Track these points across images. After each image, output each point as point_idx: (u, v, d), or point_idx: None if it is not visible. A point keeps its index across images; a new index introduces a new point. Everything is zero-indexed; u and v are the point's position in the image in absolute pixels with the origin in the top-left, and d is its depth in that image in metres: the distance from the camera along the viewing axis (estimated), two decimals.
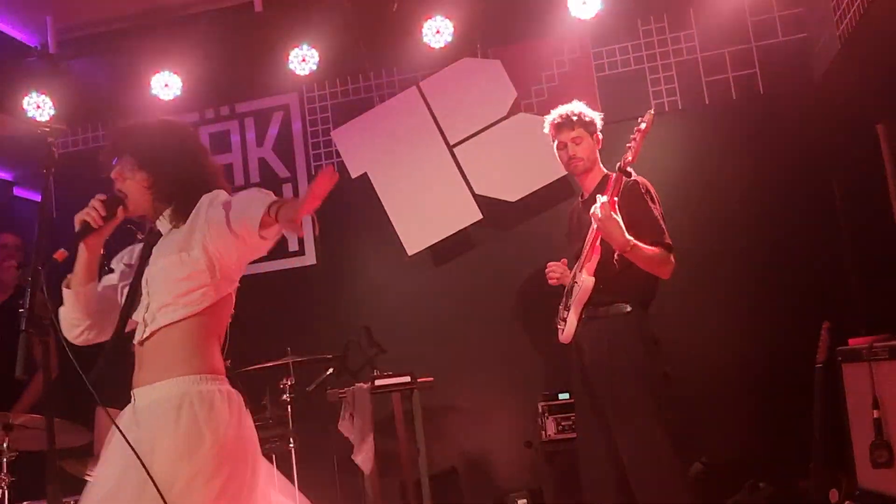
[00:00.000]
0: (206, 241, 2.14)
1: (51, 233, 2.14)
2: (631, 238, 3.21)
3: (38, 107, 5.08)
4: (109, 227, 2.22)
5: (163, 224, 2.29)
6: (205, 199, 2.19)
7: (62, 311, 2.23)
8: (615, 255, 3.32)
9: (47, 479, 1.81)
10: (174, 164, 2.24)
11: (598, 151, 3.66)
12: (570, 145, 3.61)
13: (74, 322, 2.25)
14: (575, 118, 3.61)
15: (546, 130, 3.71)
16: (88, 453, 3.73)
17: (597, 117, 3.68)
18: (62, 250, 2.06)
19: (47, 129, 2.01)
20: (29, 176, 6.64)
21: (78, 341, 2.27)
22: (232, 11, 5.24)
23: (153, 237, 2.30)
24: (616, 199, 3.26)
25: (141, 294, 2.20)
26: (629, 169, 3.28)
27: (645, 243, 3.28)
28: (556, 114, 3.68)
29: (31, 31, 5.24)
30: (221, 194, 2.20)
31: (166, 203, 2.26)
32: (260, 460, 2.21)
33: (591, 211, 3.30)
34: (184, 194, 2.22)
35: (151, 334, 2.16)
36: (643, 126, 3.29)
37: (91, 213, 2.16)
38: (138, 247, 2.35)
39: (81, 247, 2.17)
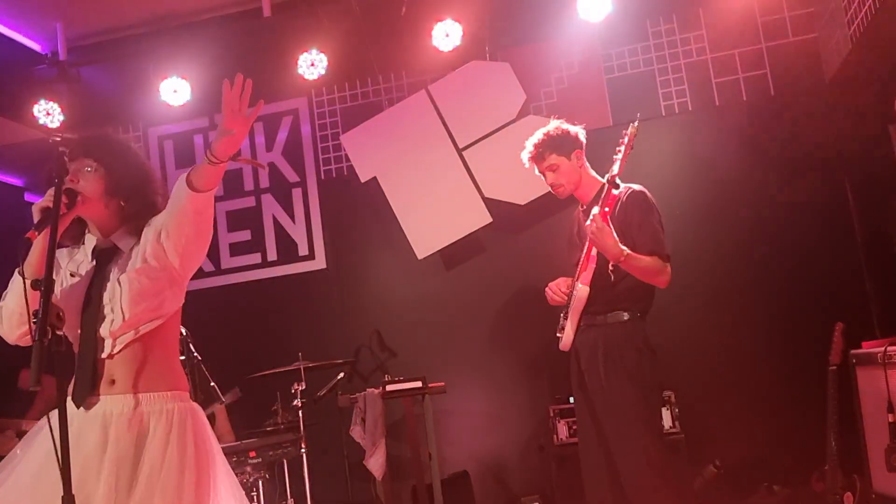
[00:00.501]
0: (165, 242, 2.25)
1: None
2: (625, 248, 3.21)
3: (48, 114, 5.10)
4: (68, 219, 2.21)
5: (120, 240, 2.31)
6: (153, 220, 2.31)
7: (9, 303, 2.21)
8: (610, 266, 3.32)
9: (64, 484, 1.80)
10: (130, 176, 2.30)
11: (582, 166, 3.57)
12: (548, 174, 3.59)
13: (22, 318, 2.16)
14: (543, 147, 3.56)
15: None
16: None
17: (574, 132, 3.59)
18: (33, 230, 2.08)
19: (58, 139, 2.03)
20: (39, 182, 6.68)
21: (21, 341, 2.22)
22: (240, 17, 5.25)
23: (102, 254, 2.30)
24: (608, 210, 3.25)
25: (102, 308, 2.20)
26: (618, 181, 3.25)
27: (641, 253, 3.27)
28: (526, 144, 3.64)
29: (42, 38, 5.26)
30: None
31: (116, 211, 2.29)
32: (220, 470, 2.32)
33: (585, 224, 3.30)
34: (135, 206, 2.30)
35: (121, 349, 2.20)
36: (626, 140, 3.25)
37: (50, 201, 2.12)
38: (79, 256, 2.34)
39: (39, 237, 2.14)
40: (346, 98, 5.41)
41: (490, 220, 4.98)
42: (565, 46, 5.06)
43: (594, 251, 3.35)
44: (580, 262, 3.44)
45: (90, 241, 2.34)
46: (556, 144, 3.55)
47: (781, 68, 4.79)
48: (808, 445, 4.06)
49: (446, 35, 4.89)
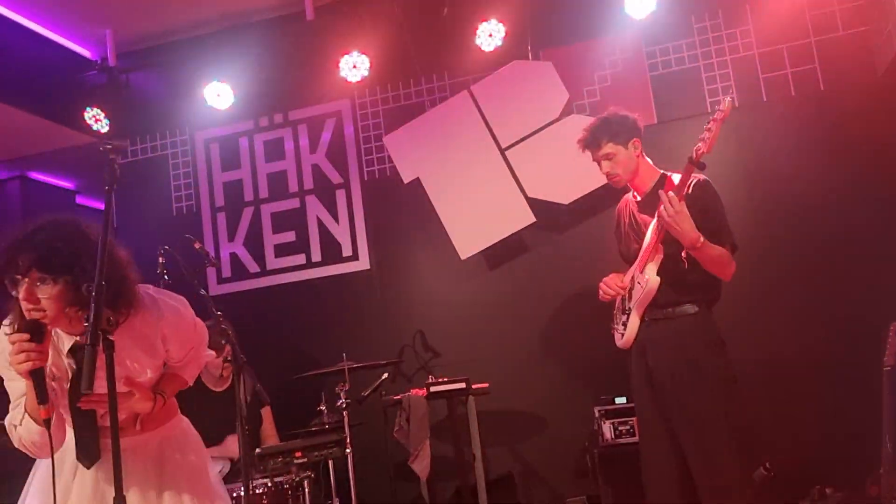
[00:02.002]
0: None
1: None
2: (700, 235, 3.13)
3: (98, 119, 5.22)
4: (46, 355, 2.03)
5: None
6: (164, 309, 2.29)
7: (33, 433, 2.12)
8: (683, 253, 3.23)
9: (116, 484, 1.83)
10: (90, 265, 1.95)
11: (639, 156, 3.51)
12: (604, 163, 3.49)
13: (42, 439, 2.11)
14: (600, 133, 3.46)
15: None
16: None
17: (632, 119, 3.50)
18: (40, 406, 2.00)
19: (110, 146, 2.01)
20: (90, 185, 6.85)
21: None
22: (284, 20, 5.32)
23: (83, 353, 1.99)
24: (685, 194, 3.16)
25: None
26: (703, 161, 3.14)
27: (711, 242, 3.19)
28: (583, 131, 3.54)
29: (92, 44, 5.38)
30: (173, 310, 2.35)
31: (81, 316, 2.03)
32: None
33: (660, 207, 3.19)
34: (113, 295, 1.99)
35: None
36: (719, 115, 3.10)
37: (31, 356, 1.97)
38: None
39: (28, 383, 2.02)
40: (389, 99, 5.43)
41: (533, 219, 4.96)
42: (608, 44, 5.01)
43: (662, 239, 3.27)
44: (644, 252, 3.37)
45: (65, 339, 2.18)
46: (613, 132, 3.45)
47: (831, 63, 4.68)
48: (862, 448, 3.95)
49: (489, 35, 4.89)
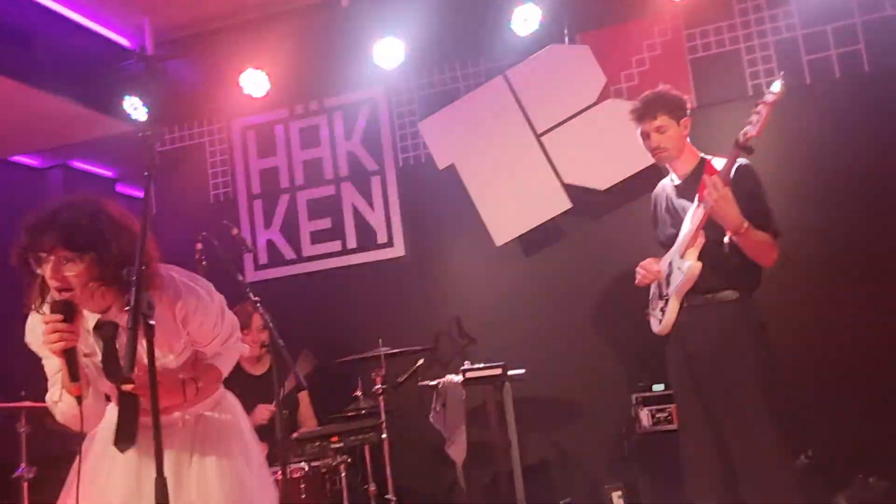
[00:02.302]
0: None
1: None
2: (745, 220, 3.08)
3: (136, 108, 5.28)
4: (76, 335, 2.10)
5: (118, 316, 2.18)
6: (186, 297, 2.24)
7: (74, 408, 2.15)
8: (726, 239, 3.18)
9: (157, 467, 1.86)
10: (115, 257, 2.06)
11: (687, 136, 3.47)
12: (654, 135, 3.42)
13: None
14: (657, 105, 3.40)
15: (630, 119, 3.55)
16: None
17: (684, 98, 3.49)
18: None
19: (149, 133, 2.04)
20: (130, 173, 6.94)
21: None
22: (318, 7, 5.33)
23: (107, 329, 2.18)
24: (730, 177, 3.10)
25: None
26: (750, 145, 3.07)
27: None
28: (637, 101, 3.50)
29: (130, 33, 5.43)
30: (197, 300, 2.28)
31: (103, 293, 2.11)
32: None
33: (705, 191, 3.13)
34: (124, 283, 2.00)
35: None
36: (770, 98, 3.03)
37: (64, 336, 2.04)
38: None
39: (61, 361, 2.09)
40: (424, 85, 5.41)
41: (569, 205, 4.91)
42: (646, 26, 4.93)
43: (704, 224, 3.21)
44: (684, 238, 3.32)
45: (88, 316, 2.21)
46: (671, 106, 3.40)
47: (877, 44, 4.56)
48: None
49: (525, 19, 4.84)
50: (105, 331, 2.17)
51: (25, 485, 4.12)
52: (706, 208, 3.15)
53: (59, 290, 2.06)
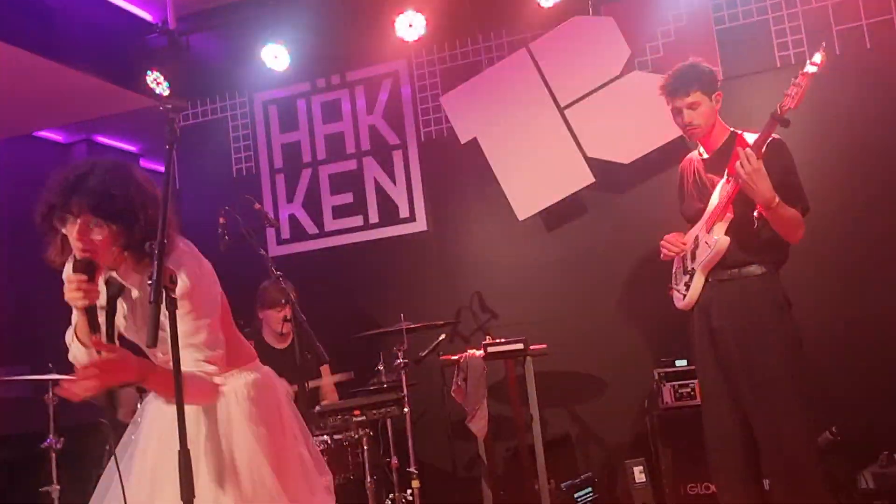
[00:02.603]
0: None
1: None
2: (776, 195, 3.03)
3: (158, 82, 5.29)
4: (95, 291, 2.14)
5: (126, 277, 2.20)
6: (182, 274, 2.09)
7: (83, 353, 2.19)
8: (755, 213, 3.13)
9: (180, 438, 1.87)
10: (139, 226, 2.10)
11: (717, 110, 3.42)
12: (687, 112, 3.36)
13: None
14: (690, 80, 3.31)
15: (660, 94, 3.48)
16: None
17: (715, 73, 3.42)
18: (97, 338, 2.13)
19: (170, 107, 2.04)
20: (153, 148, 6.97)
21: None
22: None
23: (114, 288, 2.21)
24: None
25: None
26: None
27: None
28: (668, 76, 3.43)
29: (153, 7, 5.42)
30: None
31: (138, 251, 2.11)
32: None
33: (737, 164, 3.08)
34: (142, 238, 2.06)
35: None
36: (812, 70, 2.96)
37: (86, 294, 2.08)
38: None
39: (81, 315, 2.14)
40: (446, 59, 5.37)
41: (592, 179, 4.87)
42: None
43: (733, 199, 3.17)
44: (712, 212, 3.28)
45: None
46: (704, 81, 3.31)
47: None
48: None
49: None
50: (112, 289, 2.22)
51: (53, 455, 4.21)
52: (737, 182, 3.10)
53: (83, 251, 2.09)
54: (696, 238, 3.39)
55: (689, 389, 4.19)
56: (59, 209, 2.08)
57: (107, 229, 2.08)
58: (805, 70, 2.99)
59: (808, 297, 4.03)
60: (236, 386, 2.33)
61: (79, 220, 2.07)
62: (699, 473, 4.11)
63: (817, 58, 2.98)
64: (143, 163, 7.11)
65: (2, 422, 5.22)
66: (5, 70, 4.47)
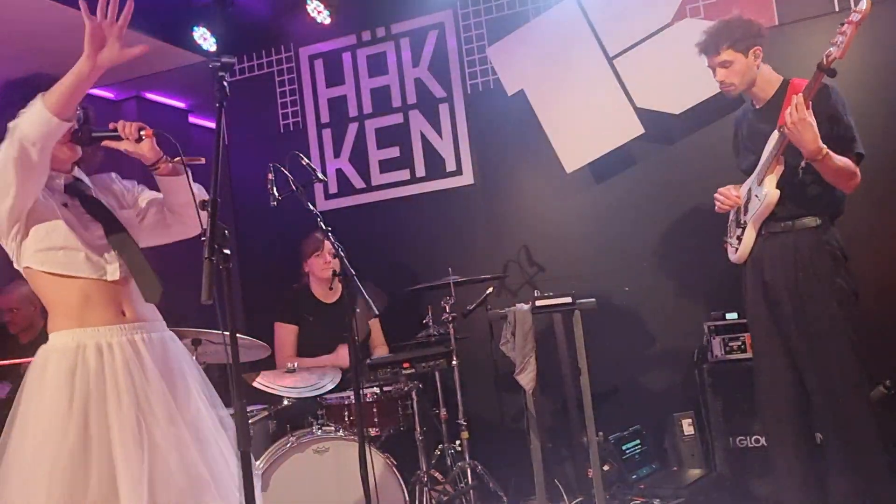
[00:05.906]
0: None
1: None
2: (823, 145, 2.95)
3: (205, 38, 5.32)
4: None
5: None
6: None
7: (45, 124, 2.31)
8: (802, 164, 3.06)
9: (233, 393, 1.91)
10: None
11: (759, 65, 3.31)
12: (719, 70, 3.30)
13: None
14: (720, 38, 3.26)
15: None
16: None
17: (757, 24, 3.30)
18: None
19: (219, 65, 2.05)
20: (202, 104, 7.03)
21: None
22: None
23: (77, 187, 2.53)
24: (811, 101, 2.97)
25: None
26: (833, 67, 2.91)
27: (835, 153, 3.01)
28: (703, 32, 3.35)
29: None
30: None
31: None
32: None
33: (784, 113, 3.01)
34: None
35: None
36: (856, 17, 2.87)
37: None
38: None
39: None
40: (492, 9, 5.28)
41: (642, 131, 4.78)
42: None
43: (783, 150, 3.10)
44: (763, 164, 3.22)
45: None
46: (736, 37, 3.25)
47: None
48: None
49: None
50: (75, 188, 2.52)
51: None
52: (784, 132, 3.03)
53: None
54: (749, 190, 3.33)
55: (739, 342, 4.15)
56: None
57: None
58: (850, 17, 2.89)
59: (864, 248, 3.94)
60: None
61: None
62: (749, 426, 4.09)
63: (862, 5, 2.87)
64: (191, 118, 7.19)
65: None
66: (58, 29, 4.53)
